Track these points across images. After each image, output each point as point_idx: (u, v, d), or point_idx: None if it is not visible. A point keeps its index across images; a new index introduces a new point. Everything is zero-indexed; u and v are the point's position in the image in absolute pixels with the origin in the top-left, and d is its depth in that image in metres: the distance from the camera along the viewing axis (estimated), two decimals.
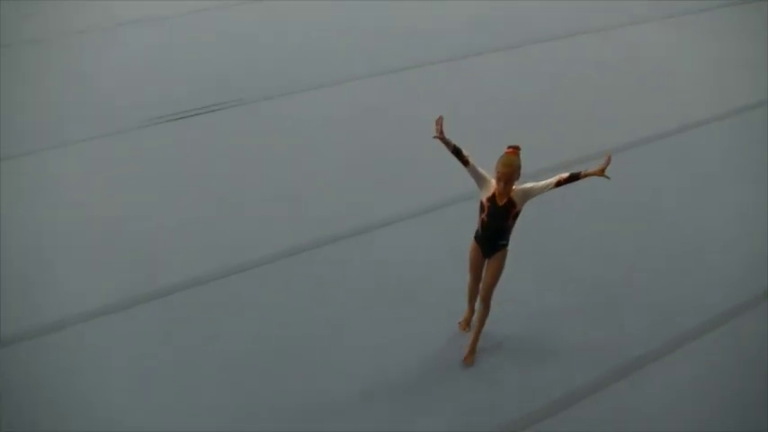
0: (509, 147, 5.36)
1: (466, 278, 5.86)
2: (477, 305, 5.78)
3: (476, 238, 5.59)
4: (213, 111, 9.77)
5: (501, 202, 5.32)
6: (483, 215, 5.44)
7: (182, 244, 7.28)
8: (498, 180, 5.29)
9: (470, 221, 5.71)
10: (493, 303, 5.71)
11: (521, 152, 5.34)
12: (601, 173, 5.29)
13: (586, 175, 5.30)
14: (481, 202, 5.42)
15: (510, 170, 5.24)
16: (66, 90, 10.32)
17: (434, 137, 5.33)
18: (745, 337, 6.22)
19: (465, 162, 5.33)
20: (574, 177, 5.29)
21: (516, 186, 5.35)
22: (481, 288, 5.67)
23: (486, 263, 5.62)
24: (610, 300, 6.55)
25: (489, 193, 5.35)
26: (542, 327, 6.26)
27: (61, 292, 6.64)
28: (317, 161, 8.67)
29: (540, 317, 6.34)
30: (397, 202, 7.88)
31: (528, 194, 5.33)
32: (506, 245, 5.52)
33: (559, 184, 5.30)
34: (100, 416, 5.33)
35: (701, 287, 6.72)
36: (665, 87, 10.50)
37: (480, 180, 5.39)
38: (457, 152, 5.32)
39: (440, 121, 5.30)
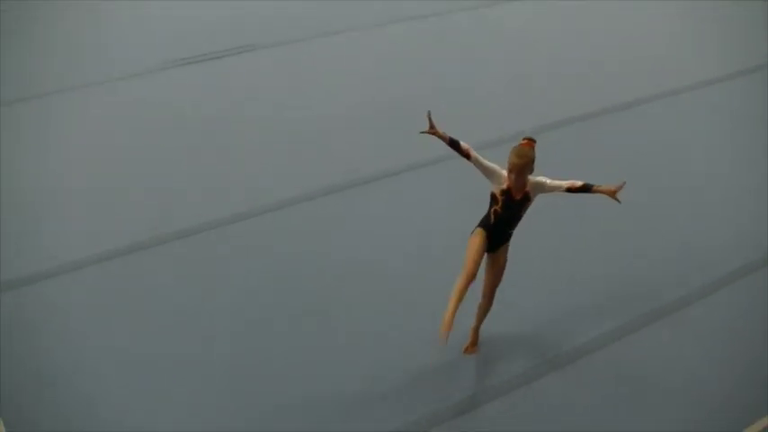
0: (524, 138, 5.09)
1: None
2: (480, 301, 5.49)
3: (483, 226, 5.28)
4: (226, 56, 9.66)
5: (517, 196, 5.11)
6: (496, 207, 5.19)
7: (193, 188, 7.25)
8: (510, 171, 5.02)
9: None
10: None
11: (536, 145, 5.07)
12: (613, 194, 5.11)
13: (597, 191, 5.12)
14: (493, 194, 5.17)
15: (524, 161, 4.99)
16: (81, 33, 10.28)
17: (422, 132, 5.06)
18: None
19: (466, 155, 5.06)
20: (585, 189, 5.10)
21: (531, 178, 5.11)
22: (486, 286, 5.41)
23: (487, 258, 5.35)
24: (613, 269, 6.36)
25: (503, 185, 5.10)
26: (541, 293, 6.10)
27: (70, 236, 6.69)
28: (330, 107, 8.54)
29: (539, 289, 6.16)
30: (412, 150, 7.69)
31: (540, 188, 5.10)
32: (511, 235, 5.31)
33: (569, 190, 5.11)
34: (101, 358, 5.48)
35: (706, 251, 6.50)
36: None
37: (488, 172, 5.10)
38: (454, 145, 5.05)
39: (428, 116, 5.05)
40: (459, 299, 5.18)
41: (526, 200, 5.11)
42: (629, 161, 7.49)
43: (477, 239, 5.20)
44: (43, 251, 6.50)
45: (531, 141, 5.06)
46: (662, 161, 7.67)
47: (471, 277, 5.17)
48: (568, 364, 5.47)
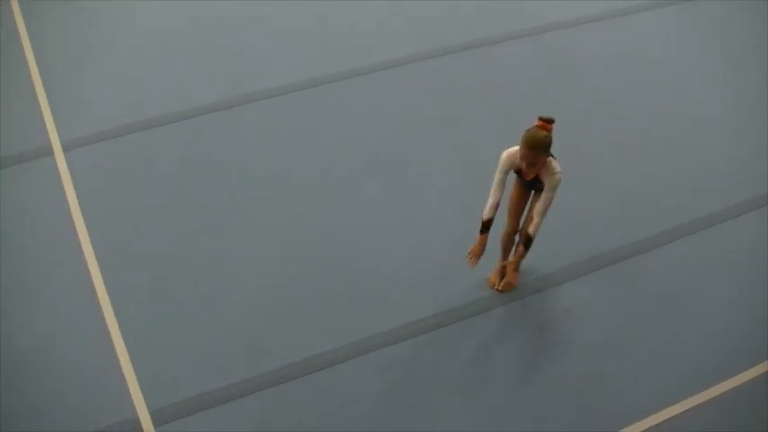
0: (541, 118, 4.39)
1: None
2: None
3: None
4: None
5: (528, 177, 4.66)
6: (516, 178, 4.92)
7: (289, 45, 7.36)
8: (521, 158, 4.50)
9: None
10: None
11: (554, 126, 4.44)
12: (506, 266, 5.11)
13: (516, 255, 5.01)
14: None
15: (535, 154, 4.39)
16: None
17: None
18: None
19: (493, 215, 4.74)
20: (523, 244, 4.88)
21: (551, 161, 4.53)
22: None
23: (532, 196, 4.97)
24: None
25: (517, 164, 4.61)
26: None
27: (165, 88, 6.90)
28: None
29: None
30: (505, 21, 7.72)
31: (548, 179, 4.60)
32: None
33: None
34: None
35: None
36: None
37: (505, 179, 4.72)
38: (487, 224, 4.76)
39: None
40: (504, 252, 5.25)
41: (538, 181, 4.67)
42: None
43: (512, 190, 5.01)
44: (134, 105, 6.72)
45: (546, 123, 4.39)
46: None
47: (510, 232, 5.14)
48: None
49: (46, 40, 7.35)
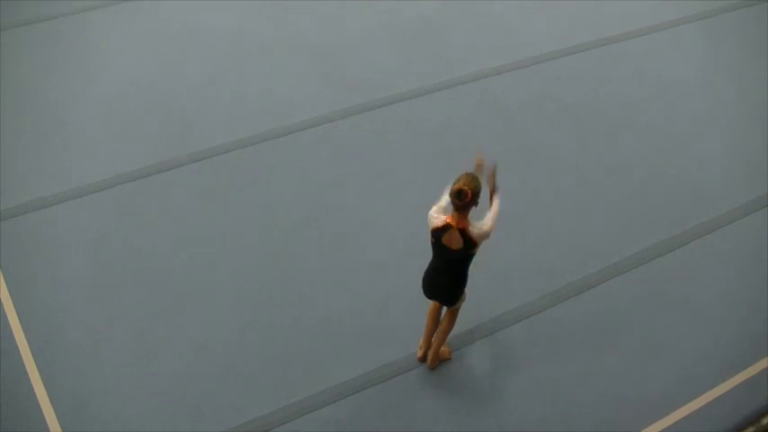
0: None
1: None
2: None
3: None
4: None
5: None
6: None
7: (216, 106, 7.38)
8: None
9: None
10: None
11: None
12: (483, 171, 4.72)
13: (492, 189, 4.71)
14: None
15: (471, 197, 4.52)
16: None
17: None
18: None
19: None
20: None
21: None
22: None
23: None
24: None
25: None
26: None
27: (94, 155, 6.80)
28: (357, 23, 8.54)
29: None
30: (434, 71, 7.89)
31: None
32: None
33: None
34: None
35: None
36: None
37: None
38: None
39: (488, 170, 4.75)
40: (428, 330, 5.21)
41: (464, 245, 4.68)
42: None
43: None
44: (63, 172, 6.61)
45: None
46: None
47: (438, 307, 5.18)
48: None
49: None
